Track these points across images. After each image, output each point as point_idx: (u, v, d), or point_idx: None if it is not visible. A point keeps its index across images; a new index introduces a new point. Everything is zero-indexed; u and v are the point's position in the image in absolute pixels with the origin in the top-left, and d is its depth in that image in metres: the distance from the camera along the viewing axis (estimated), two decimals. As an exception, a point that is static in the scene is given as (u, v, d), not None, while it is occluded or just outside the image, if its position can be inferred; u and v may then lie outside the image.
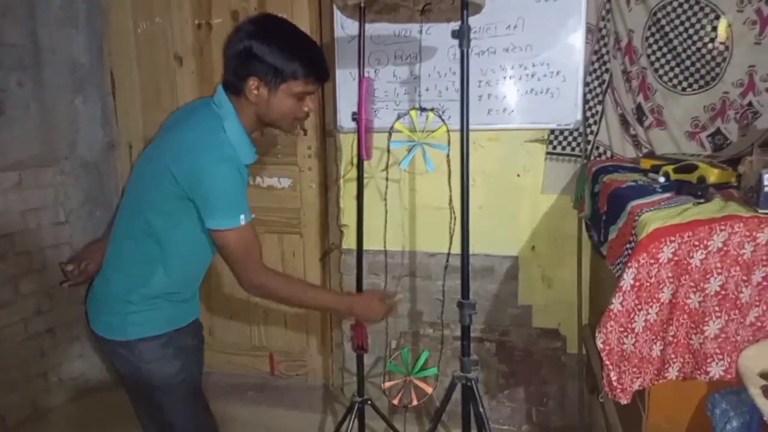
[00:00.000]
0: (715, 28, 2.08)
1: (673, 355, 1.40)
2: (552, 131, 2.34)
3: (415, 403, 2.00)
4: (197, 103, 1.55)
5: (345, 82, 2.47)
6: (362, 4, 1.73)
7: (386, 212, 2.04)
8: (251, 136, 1.55)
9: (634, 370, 1.41)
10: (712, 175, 1.61)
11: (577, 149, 2.33)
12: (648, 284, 1.36)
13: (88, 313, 1.59)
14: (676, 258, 1.34)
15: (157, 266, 1.50)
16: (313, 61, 1.47)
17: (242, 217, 1.43)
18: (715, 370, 1.37)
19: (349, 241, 2.63)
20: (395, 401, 2.06)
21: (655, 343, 1.40)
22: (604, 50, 2.23)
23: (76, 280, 1.63)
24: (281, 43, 1.43)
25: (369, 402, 2.08)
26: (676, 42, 2.14)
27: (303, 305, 1.64)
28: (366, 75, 1.89)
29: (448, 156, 1.83)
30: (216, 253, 1.54)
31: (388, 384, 2.07)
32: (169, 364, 1.54)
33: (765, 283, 1.34)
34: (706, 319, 1.36)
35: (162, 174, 1.42)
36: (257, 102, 1.47)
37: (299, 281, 1.62)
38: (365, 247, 2.02)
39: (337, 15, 2.39)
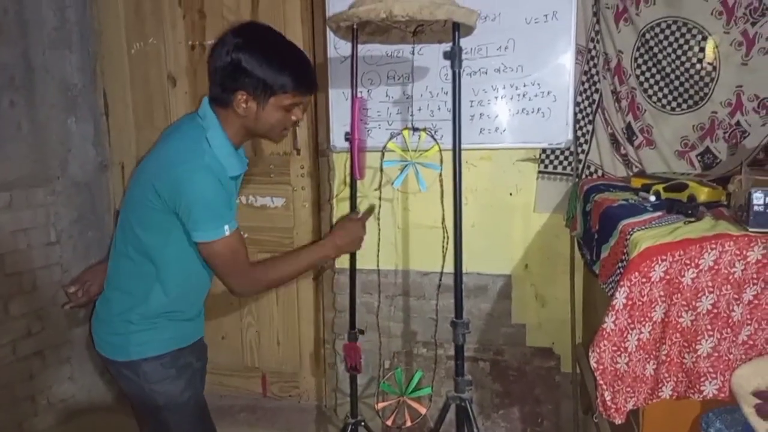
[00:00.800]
0: (702, 49, 2.12)
1: (666, 374, 1.39)
2: (543, 150, 2.36)
3: (408, 423, 1.98)
4: (184, 118, 1.55)
5: (338, 102, 2.49)
6: (355, 26, 1.74)
7: (379, 231, 2.04)
8: (241, 146, 1.55)
9: (628, 389, 1.41)
10: (703, 194, 1.62)
11: (569, 168, 2.34)
12: (640, 303, 1.36)
13: (93, 335, 1.57)
14: (667, 277, 1.35)
15: (153, 284, 1.49)
16: (302, 74, 1.46)
17: (226, 227, 1.41)
18: (709, 389, 1.37)
19: (342, 261, 2.62)
20: (389, 422, 2.04)
21: (649, 362, 1.40)
22: (593, 71, 2.26)
23: (78, 301, 1.62)
24: (270, 56, 1.41)
25: (362, 423, 2.05)
26: (664, 62, 2.17)
27: (295, 276, 1.63)
28: (359, 95, 1.91)
29: (440, 175, 1.83)
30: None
31: (381, 404, 2.06)
32: (172, 384, 1.53)
33: (756, 302, 1.34)
34: (699, 337, 1.36)
35: (146, 189, 1.41)
36: (246, 115, 1.45)
37: (281, 259, 1.59)
38: (358, 266, 2.01)
39: (330, 36, 2.42)
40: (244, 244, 1.48)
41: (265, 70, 1.40)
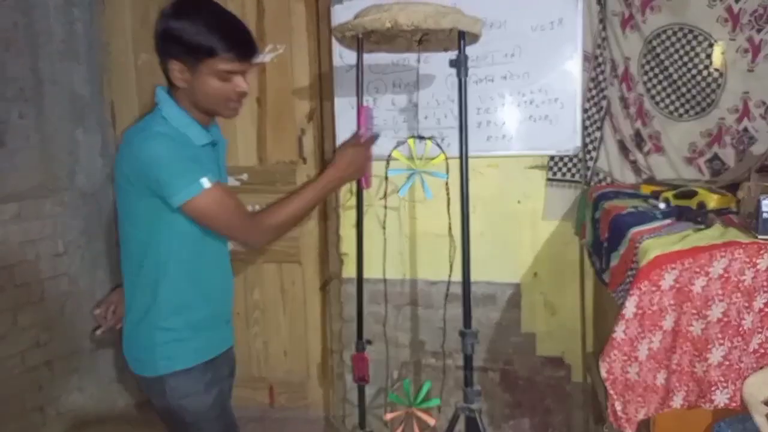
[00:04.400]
0: (709, 56, 2.12)
1: (677, 384, 1.38)
2: (552, 157, 2.35)
3: (417, 434, 1.97)
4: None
5: (344, 111, 2.49)
6: (360, 35, 1.74)
7: (385, 240, 2.03)
8: (212, 124, 1.49)
9: (639, 399, 1.39)
10: (712, 201, 1.61)
11: (578, 175, 2.33)
12: (650, 312, 1.35)
13: (125, 354, 1.53)
14: (677, 285, 1.33)
15: (158, 278, 1.44)
16: (232, 36, 1.35)
17: (203, 180, 1.32)
18: (720, 398, 1.35)
19: (349, 270, 2.61)
20: (397, 433, 2.02)
21: (659, 372, 1.38)
22: (601, 77, 2.25)
23: (107, 324, 1.60)
24: (196, 19, 1.33)
25: (370, 434, 2.05)
26: (671, 69, 2.16)
27: (304, 214, 1.55)
28: (365, 104, 1.91)
29: (447, 183, 1.83)
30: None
31: (390, 415, 2.05)
32: (200, 399, 1.48)
33: (767, 310, 1.33)
34: (709, 346, 1.34)
35: (123, 182, 1.38)
36: (185, 86, 1.37)
37: (284, 200, 1.50)
38: (365, 275, 2.00)
39: (336, 45, 2.42)
40: (232, 194, 1.42)
41: (191, 34, 1.32)
